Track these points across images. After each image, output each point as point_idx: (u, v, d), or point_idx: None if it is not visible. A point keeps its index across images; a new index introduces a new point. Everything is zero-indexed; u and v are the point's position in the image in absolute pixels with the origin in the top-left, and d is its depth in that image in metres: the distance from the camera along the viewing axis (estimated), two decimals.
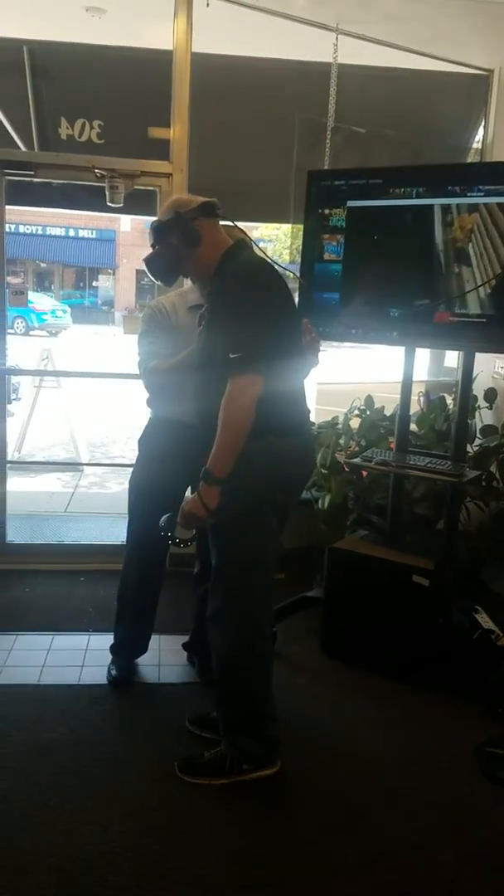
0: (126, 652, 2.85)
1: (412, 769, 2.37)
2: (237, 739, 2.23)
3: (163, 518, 2.13)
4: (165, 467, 2.57)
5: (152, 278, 2.23)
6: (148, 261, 2.19)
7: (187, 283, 2.64)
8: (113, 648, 2.85)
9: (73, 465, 6.36)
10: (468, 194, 2.67)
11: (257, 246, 2.20)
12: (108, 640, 2.90)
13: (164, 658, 2.95)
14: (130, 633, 2.84)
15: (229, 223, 2.18)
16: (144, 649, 2.87)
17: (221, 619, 2.18)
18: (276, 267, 2.12)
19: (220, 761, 2.23)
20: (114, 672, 2.78)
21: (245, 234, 2.19)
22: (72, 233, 26.56)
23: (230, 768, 2.22)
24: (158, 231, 2.13)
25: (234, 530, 2.07)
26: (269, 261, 2.13)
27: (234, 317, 1.95)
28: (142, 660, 2.88)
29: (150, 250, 2.20)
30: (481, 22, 3.64)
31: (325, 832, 2.07)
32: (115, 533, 4.25)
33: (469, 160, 4.21)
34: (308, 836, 2.05)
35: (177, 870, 1.90)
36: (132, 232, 26.11)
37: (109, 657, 2.85)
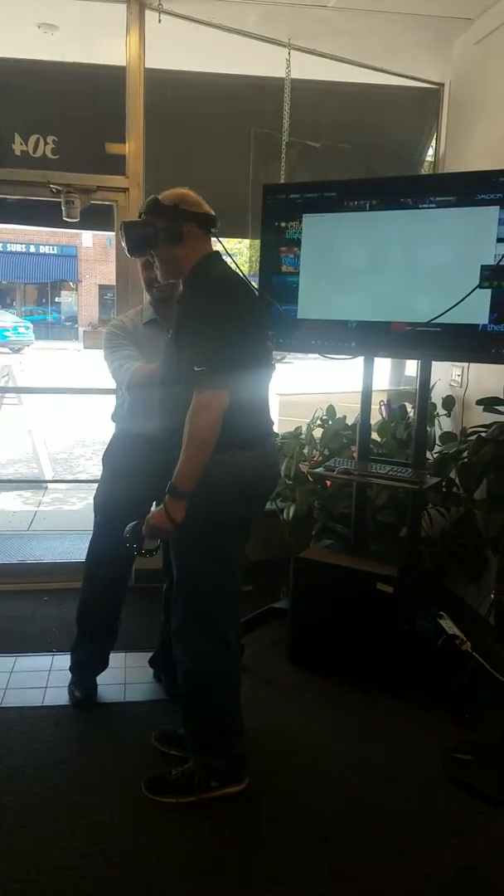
0: (89, 671, 2.80)
1: (381, 778, 2.36)
2: (204, 756, 2.21)
3: (127, 527, 2.13)
4: (131, 483, 2.54)
5: (123, 242, 2.15)
6: (127, 224, 2.13)
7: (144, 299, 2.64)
8: (73, 668, 2.81)
9: (35, 483, 6.28)
10: (420, 206, 2.71)
11: (232, 259, 2.22)
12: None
13: (129, 676, 2.92)
14: (93, 652, 2.80)
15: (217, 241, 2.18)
16: (105, 665, 2.83)
17: (186, 633, 2.16)
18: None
19: (187, 779, 2.21)
20: (78, 694, 2.73)
21: (228, 253, 2.21)
22: (33, 249, 26.38)
23: (198, 786, 2.20)
24: (152, 207, 2.09)
25: (196, 543, 2.05)
26: (241, 275, 2.14)
27: (202, 329, 1.95)
28: (107, 678, 2.84)
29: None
30: (431, 36, 3.70)
31: (294, 847, 2.06)
32: (80, 550, 4.17)
33: (423, 173, 4.27)
34: (277, 852, 2.04)
35: (145, 890, 1.87)
36: (94, 248, 26.04)
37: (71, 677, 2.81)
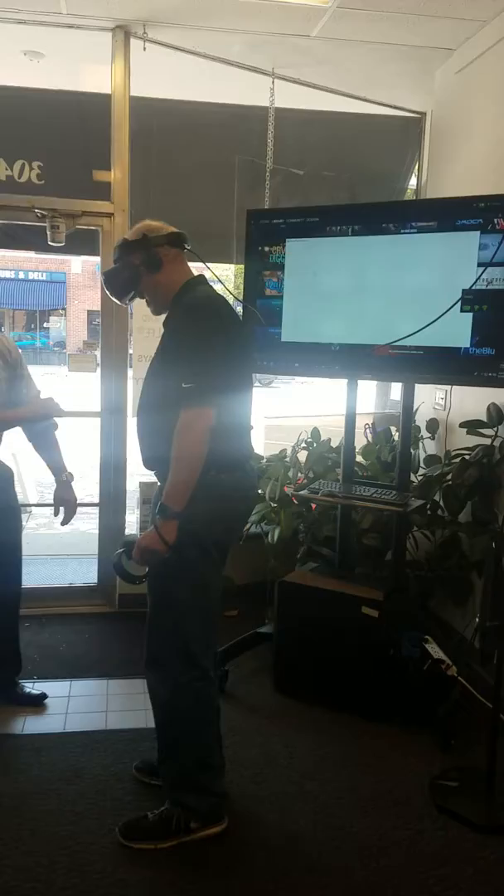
0: None
1: (368, 807, 2.32)
2: (182, 796, 2.13)
3: (115, 554, 2.08)
4: None
5: (108, 292, 2.22)
6: (107, 275, 2.19)
7: None
8: None
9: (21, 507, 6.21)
10: (402, 231, 2.74)
11: (223, 285, 2.23)
12: (53, 687, 2.84)
13: (111, 704, 2.87)
14: None
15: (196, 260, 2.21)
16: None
17: (161, 662, 2.10)
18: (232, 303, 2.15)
19: (165, 822, 2.12)
20: None
21: (210, 270, 2.24)
22: (21, 275, 26.49)
23: (176, 829, 2.11)
24: (123, 249, 2.14)
25: (173, 566, 2.00)
26: (223, 297, 2.14)
27: (190, 347, 1.94)
28: (89, 706, 2.80)
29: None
30: (413, 67, 3.77)
31: (280, 880, 2.01)
32: (63, 575, 4.17)
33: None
34: (261, 888, 1.98)
35: None
36: (83, 274, 26.16)
37: (56, 705, 2.76)
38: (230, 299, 2.27)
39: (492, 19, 3.22)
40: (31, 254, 21.54)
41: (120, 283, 2.16)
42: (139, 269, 2.10)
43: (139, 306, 3.59)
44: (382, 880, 2.02)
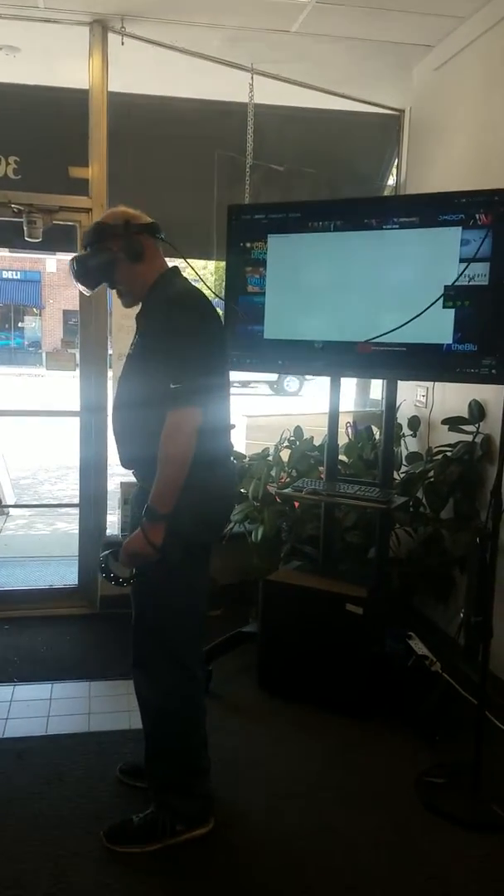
0: None
1: (354, 805, 2.31)
2: (168, 798, 2.10)
3: (101, 555, 2.04)
4: None
5: (74, 279, 2.07)
6: (79, 259, 2.06)
7: None
8: None
9: None
10: (384, 227, 2.73)
11: (200, 279, 2.18)
12: (34, 690, 2.78)
13: (94, 706, 2.83)
14: None
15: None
16: None
17: (147, 664, 2.07)
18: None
19: (150, 825, 2.09)
20: None
21: (190, 265, 2.18)
22: None
23: (162, 831, 2.08)
24: (101, 233, 2.02)
25: (159, 568, 1.96)
26: (202, 291, 2.10)
27: (177, 347, 1.87)
28: (71, 708, 2.75)
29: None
30: (391, 64, 3.77)
31: (269, 883, 1.99)
32: (44, 577, 4.11)
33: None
34: (248, 889, 1.97)
35: None
36: (58, 273, 25.95)
37: (37, 708, 2.71)
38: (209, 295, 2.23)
39: (470, 16, 3.22)
40: (5, 252, 21.35)
41: (93, 268, 2.04)
42: (118, 256, 2.01)
43: (119, 304, 3.55)
44: (370, 879, 2.00)
